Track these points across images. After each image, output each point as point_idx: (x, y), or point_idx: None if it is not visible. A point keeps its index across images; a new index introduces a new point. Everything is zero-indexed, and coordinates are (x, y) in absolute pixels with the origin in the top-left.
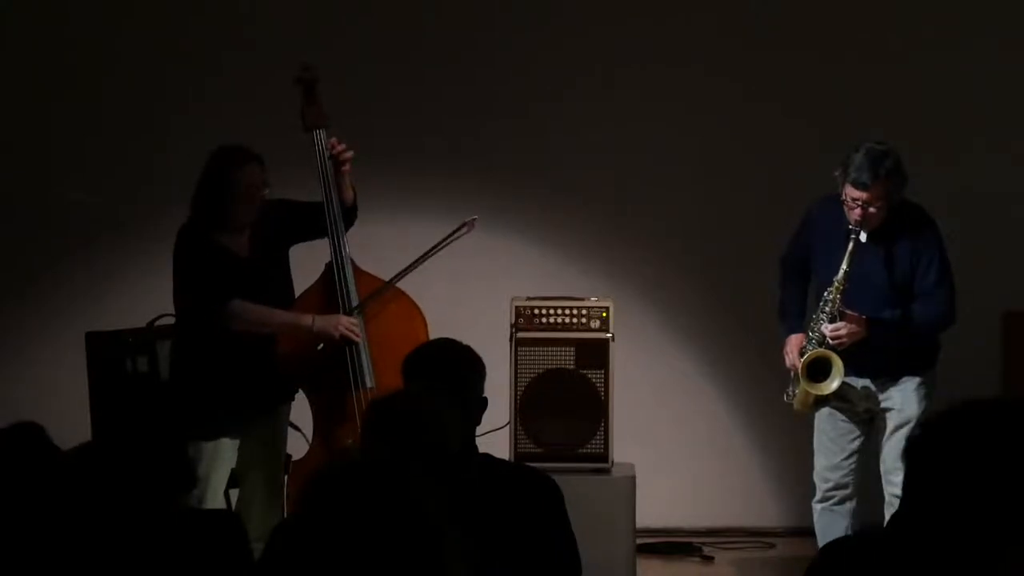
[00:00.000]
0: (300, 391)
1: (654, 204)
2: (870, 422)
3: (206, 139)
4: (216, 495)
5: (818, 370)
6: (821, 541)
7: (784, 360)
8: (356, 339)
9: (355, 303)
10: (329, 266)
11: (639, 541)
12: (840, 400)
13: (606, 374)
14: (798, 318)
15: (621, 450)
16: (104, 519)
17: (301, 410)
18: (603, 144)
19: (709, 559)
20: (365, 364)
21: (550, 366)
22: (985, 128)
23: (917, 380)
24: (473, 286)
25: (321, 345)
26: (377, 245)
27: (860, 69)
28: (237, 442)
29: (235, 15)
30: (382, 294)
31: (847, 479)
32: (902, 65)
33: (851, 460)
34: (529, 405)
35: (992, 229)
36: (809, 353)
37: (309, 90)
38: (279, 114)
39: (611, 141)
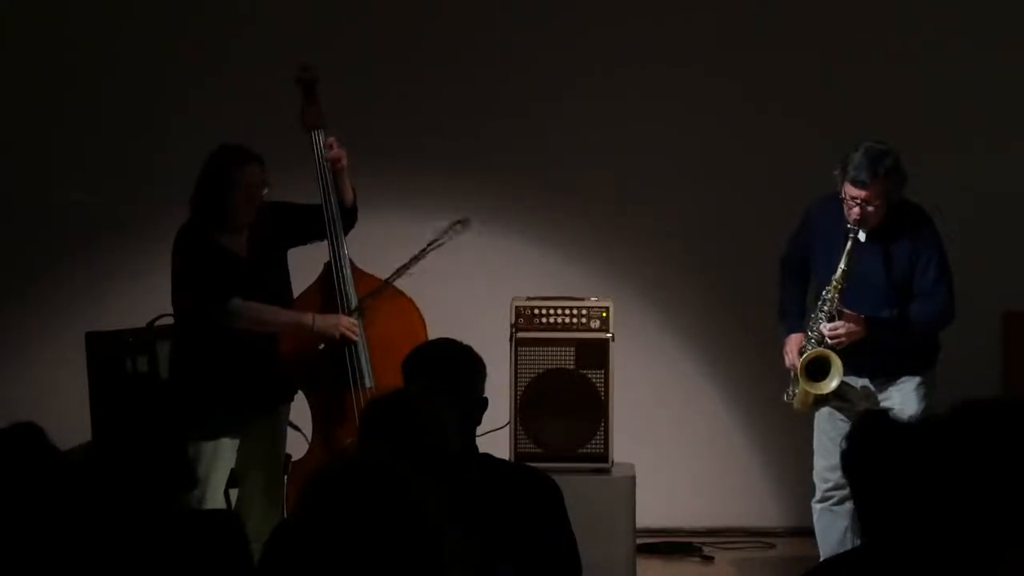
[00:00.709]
0: (299, 391)
1: (654, 204)
2: None
3: (206, 139)
4: (216, 495)
5: (817, 370)
6: (821, 541)
7: (784, 360)
8: (355, 339)
9: (354, 303)
10: (328, 266)
11: (639, 541)
12: (840, 400)
13: (606, 374)
14: (797, 318)
15: (621, 450)
16: (104, 519)
17: (301, 410)
18: (603, 144)
19: (709, 559)
20: (364, 364)
21: (550, 366)
22: (985, 128)
23: (917, 380)
24: (473, 286)
25: (322, 345)
26: (377, 245)
27: (860, 69)
28: (237, 442)
29: (235, 15)
30: (379, 295)
31: None
32: (902, 65)
33: None
34: (529, 405)
35: (992, 229)
36: (808, 353)
37: (309, 90)
38: (279, 114)
39: (611, 141)
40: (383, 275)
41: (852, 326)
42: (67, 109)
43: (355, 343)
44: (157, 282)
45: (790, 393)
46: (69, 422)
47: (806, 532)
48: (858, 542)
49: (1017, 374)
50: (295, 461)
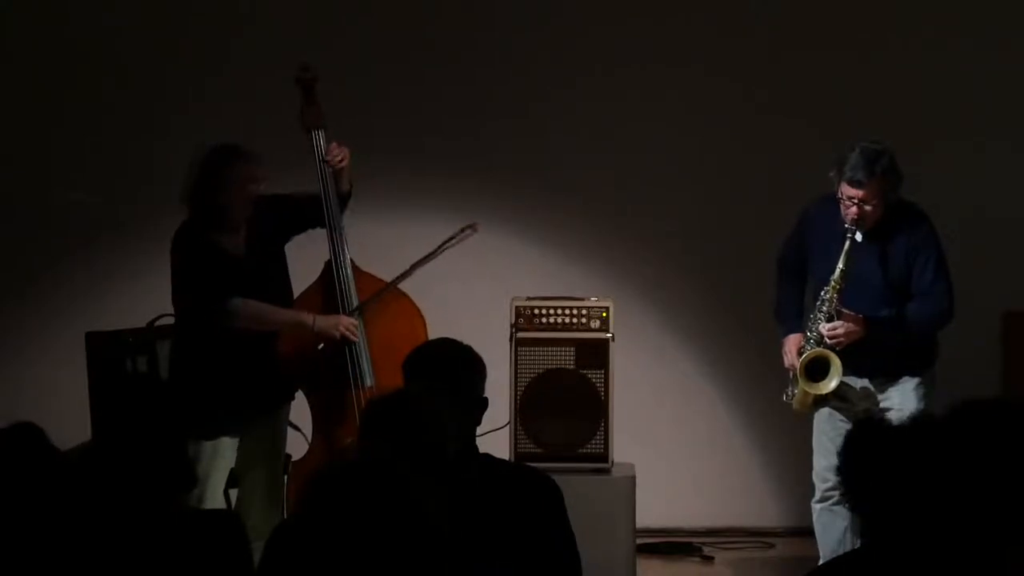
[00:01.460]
0: (299, 391)
1: (654, 204)
2: None
3: (206, 139)
4: (216, 495)
5: (816, 370)
6: (820, 541)
7: (783, 360)
8: (355, 339)
9: (355, 303)
10: (328, 265)
11: (639, 541)
12: (839, 400)
13: (606, 374)
14: (796, 318)
15: (621, 450)
16: (104, 519)
17: (301, 410)
18: (603, 144)
19: (709, 559)
20: (365, 364)
21: (550, 366)
22: (985, 128)
23: (916, 380)
24: (473, 286)
25: (321, 345)
26: (377, 245)
27: (860, 69)
28: (237, 442)
29: (235, 15)
30: (382, 296)
31: None
32: (902, 65)
33: None
34: (529, 405)
35: (992, 229)
36: (807, 353)
37: (308, 90)
38: (279, 114)
39: (611, 141)
40: (382, 275)
41: (851, 326)
42: (67, 109)
43: (355, 343)
44: (157, 282)
45: (789, 393)
46: (69, 422)
47: (806, 532)
48: (858, 542)
49: (1017, 374)
50: (295, 461)
